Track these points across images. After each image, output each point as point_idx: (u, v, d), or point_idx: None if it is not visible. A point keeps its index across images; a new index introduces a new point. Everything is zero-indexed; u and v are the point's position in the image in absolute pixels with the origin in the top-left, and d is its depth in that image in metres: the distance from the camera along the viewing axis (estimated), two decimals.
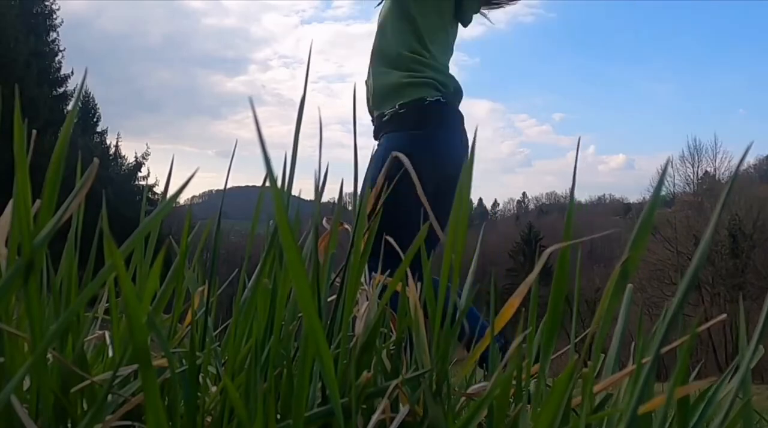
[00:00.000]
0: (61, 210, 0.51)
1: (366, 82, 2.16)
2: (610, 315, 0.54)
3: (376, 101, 2.10)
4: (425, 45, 2.05)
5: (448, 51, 2.17)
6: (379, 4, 2.22)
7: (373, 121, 2.13)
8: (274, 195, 0.44)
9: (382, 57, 2.10)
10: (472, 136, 0.58)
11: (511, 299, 0.63)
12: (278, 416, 0.54)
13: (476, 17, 2.21)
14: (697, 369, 0.72)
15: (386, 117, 2.02)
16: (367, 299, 0.68)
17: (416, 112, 1.99)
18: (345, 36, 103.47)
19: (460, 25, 2.20)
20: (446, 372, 0.58)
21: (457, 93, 2.11)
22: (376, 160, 2.00)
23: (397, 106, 2.00)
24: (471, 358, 0.69)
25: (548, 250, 0.59)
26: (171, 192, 0.56)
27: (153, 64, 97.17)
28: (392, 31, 2.08)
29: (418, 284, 0.66)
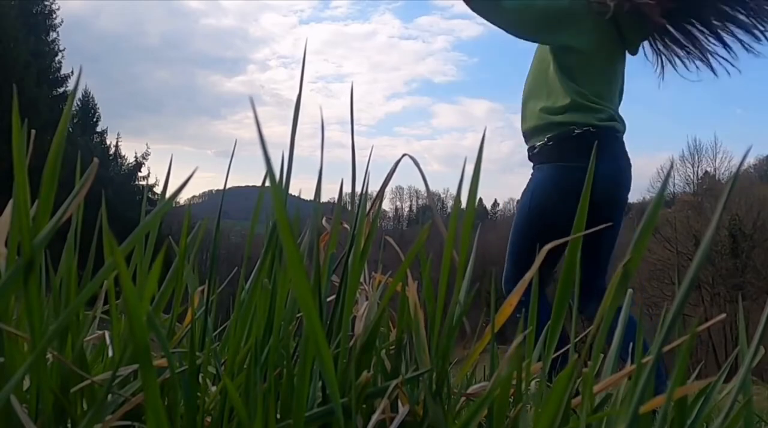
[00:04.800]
0: (61, 210, 0.51)
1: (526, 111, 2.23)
2: (611, 316, 0.54)
3: (529, 132, 2.19)
4: (584, 81, 2.13)
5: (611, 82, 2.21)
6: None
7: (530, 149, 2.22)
8: (273, 192, 0.44)
9: (540, 91, 2.16)
10: (480, 136, 0.58)
11: (510, 297, 0.63)
12: (278, 416, 0.54)
13: None
14: (697, 370, 0.72)
15: (536, 149, 2.13)
16: (367, 299, 0.68)
17: (564, 143, 2.07)
18: (343, 36, 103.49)
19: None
20: (446, 372, 0.58)
21: (611, 120, 2.13)
22: (527, 191, 2.15)
23: (546, 139, 2.10)
24: (471, 358, 0.69)
25: (546, 248, 0.59)
26: (170, 192, 0.56)
27: (152, 64, 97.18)
28: (555, 67, 2.12)
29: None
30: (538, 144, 2.11)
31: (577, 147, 2.03)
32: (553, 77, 2.12)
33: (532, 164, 2.20)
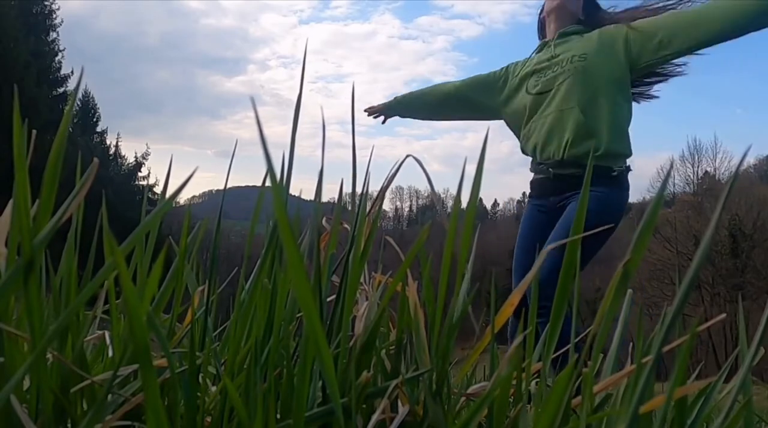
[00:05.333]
0: (61, 210, 0.51)
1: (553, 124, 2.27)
2: (611, 316, 0.54)
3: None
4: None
5: None
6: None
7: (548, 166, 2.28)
8: (274, 191, 0.44)
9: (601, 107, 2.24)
10: (480, 136, 0.59)
11: (511, 297, 0.63)
12: (278, 416, 0.54)
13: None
14: (697, 370, 0.72)
15: (615, 172, 2.20)
16: (367, 299, 0.68)
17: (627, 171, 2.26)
18: (343, 36, 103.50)
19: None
20: (446, 372, 0.58)
21: None
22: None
23: (625, 166, 2.23)
24: (471, 358, 0.69)
25: (547, 248, 0.59)
26: (170, 192, 0.56)
27: (152, 64, 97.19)
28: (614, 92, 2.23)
29: None
30: (617, 168, 2.20)
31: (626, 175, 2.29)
32: (611, 97, 2.21)
33: (574, 176, 2.23)
